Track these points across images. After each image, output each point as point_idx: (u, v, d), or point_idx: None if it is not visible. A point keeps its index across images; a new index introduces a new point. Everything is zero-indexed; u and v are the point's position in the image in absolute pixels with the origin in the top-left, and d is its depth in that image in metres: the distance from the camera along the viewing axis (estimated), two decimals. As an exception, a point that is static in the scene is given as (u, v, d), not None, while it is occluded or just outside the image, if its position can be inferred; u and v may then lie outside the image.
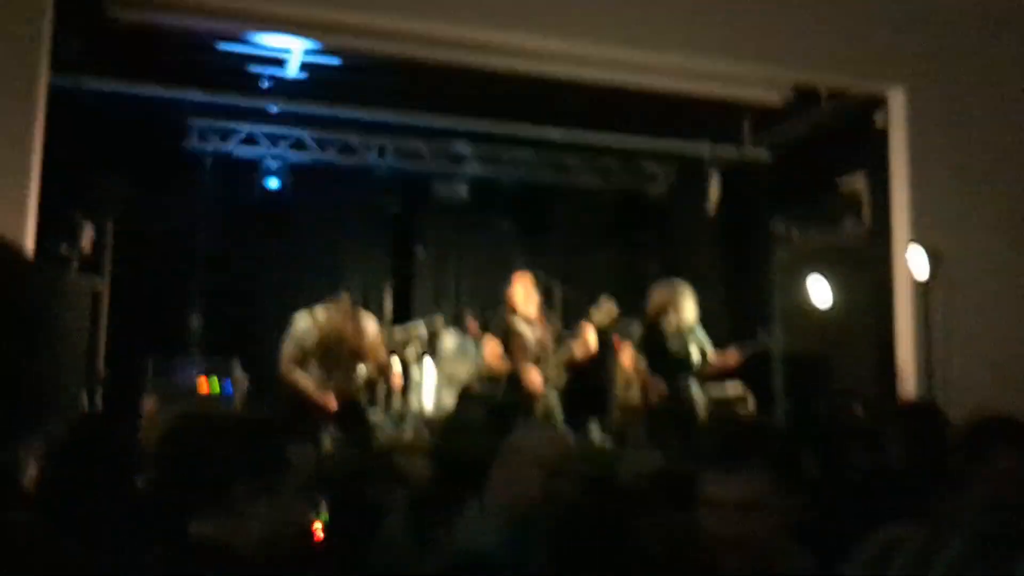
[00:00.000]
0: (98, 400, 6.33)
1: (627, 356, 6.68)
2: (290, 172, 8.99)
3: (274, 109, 8.43)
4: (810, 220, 8.89)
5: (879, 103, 6.48)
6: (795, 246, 9.05)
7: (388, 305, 8.36)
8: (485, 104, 8.46)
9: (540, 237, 9.97)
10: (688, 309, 6.55)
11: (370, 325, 6.36)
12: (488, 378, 7.65)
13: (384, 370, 6.79)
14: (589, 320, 6.36)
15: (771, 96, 7.04)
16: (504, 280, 6.91)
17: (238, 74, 7.69)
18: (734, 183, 9.49)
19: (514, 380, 6.31)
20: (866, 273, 7.41)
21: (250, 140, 8.93)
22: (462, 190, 9.70)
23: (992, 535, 2.14)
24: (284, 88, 7.97)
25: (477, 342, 8.38)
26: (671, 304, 6.54)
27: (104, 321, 6.84)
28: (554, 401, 6.32)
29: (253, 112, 8.51)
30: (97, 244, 6.67)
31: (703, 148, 9.44)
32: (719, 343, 6.99)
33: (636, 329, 6.91)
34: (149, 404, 6.65)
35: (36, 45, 4.61)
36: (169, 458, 2.07)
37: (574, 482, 2.61)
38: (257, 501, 1.94)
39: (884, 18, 6.00)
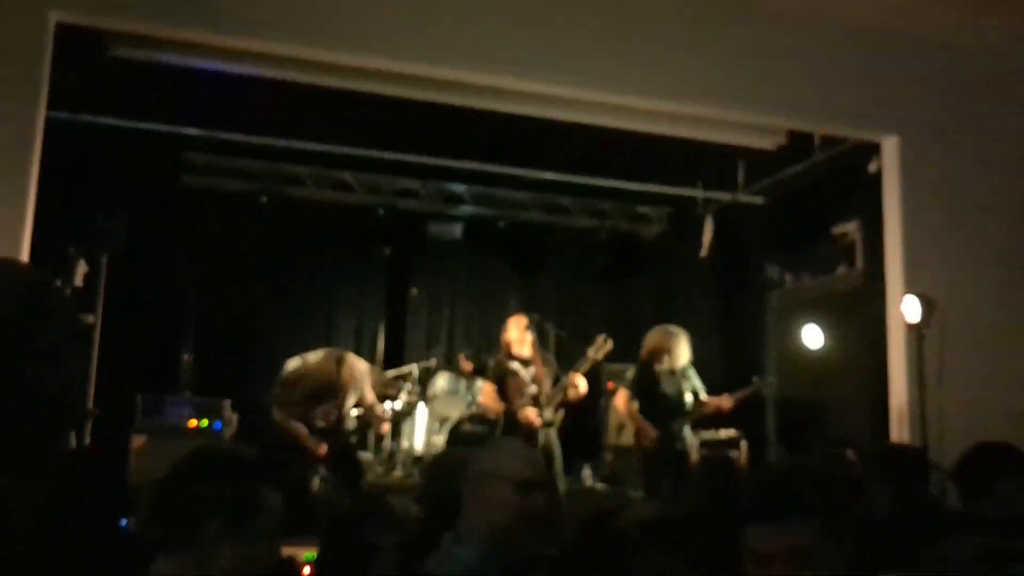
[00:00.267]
0: (87, 436, 6.27)
1: (620, 399, 6.66)
2: (285, 209, 8.99)
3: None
4: (804, 265, 8.94)
5: (873, 149, 6.53)
6: (789, 291, 9.09)
7: (380, 345, 8.34)
8: (480, 144, 8.51)
9: (534, 278, 9.97)
10: (682, 352, 6.55)
11: (361, 367, 6.34)
12: (480, 419, 7.63)
13: (375, 411, 6.75)
14: (585, 356, 6.35)
15: (765, 142, 7.10)
16: (498, 321, 6.88)
17: (234, 110, 7.73)
18: (728, 227, 9.54)
19: (510, 421, 6.29)
20: (860, 318, 7.43)
21: (245, 176, 8.94)
22: (456, 230, 9.71)
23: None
24: (280, 124, 8.02)
25: (470, 383, 8.35)
26: (665, 347, 6.53)
27: (95, 356, 6.80)
28: (553, 440, 6.28)
29: (249, 148, 8.53)
30: (90, 279, 6.64)
31: (697, 192, 9.50)
32: (713, 386, 6.98)
33: (630, 372, 6.90)
34: (137, 442, 6.58)
35: (35, 80, 4.63)
36: (149, 493, 2.06)
37: (546, 496, 2.57)
38: (223, 540, 1.93)
39: (877, 66, 6.07)
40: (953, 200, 6.11)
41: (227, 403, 7.00)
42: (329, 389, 6.07)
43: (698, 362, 6.81)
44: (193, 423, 6.85)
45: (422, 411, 8.31)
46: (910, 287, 5.76)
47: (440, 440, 8.04)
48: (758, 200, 9.28)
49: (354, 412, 6.59)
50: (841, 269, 8.22)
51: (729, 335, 9.71)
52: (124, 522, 3.12)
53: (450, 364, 8.85)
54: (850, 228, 8.09)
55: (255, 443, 6.84)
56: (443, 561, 2.48)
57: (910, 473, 3.41)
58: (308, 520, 6.06)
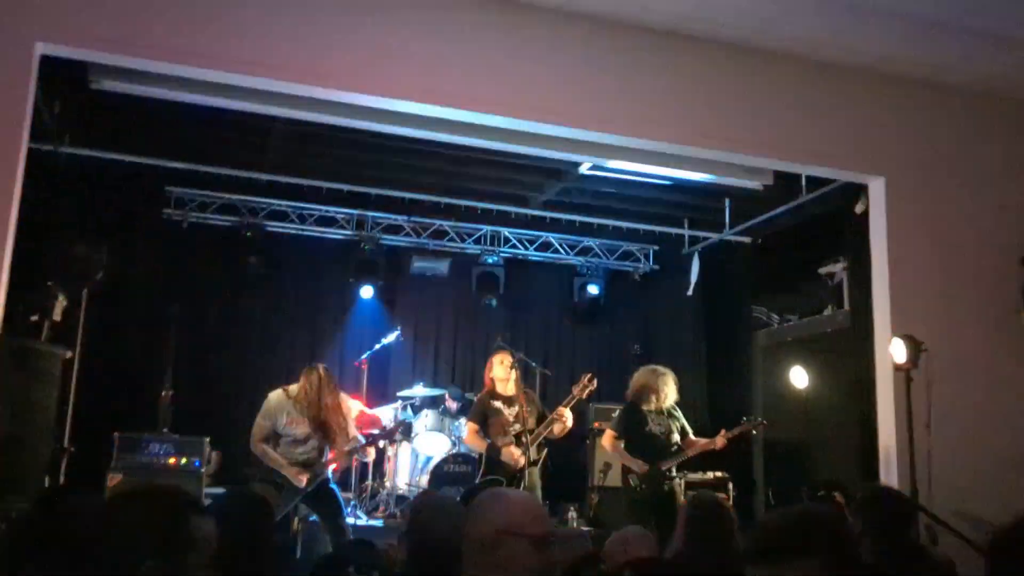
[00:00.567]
0: (62, 473, 6.14)
1: (607, 438, 6.60)
2: (269, 243, 8.93)
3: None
4: (791, 305, 8.94)
5: (859, 190, 6.55)
6: (776, 331, 9.07)
7: (364, 381, 8.26)
8: (467, 181, 8.50)
9: (520, 315, 9.93)
10: (668, 392, 6.51)
11: (343, 401, 6.24)
12: (463, 458, 7.53)
13: (356, 444, 6.64)
14: (571, 394, 6.30)
15: (752, 182, 7.11)
16: (483, 357, 6.81)
17: (217, 144, 7.69)
18: (715, 267, 9.54)
19: (492, 459, 6.22)
20: (847, 359, 7.40)
21: (229, 210, 8.89)
22: (443, 266, 9.67)
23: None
24: (266, 158, 7.99)
25: (454, 420, 8.27)
26: (651, 386, 6.49)
27: (72, 392, 6.68)
28: (536, 479, 6.22)
29: (232, 181, 8.48)
30: (69, 313, 6.54)
31: (684, 231, 9.52)
32: (699, 426, 6.93)
33: (616, 412, 6.84)
34: (113, 480, 6.44)
35: (18, 111, 4.57)
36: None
37: (561, 548, 2.50)
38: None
39: (864, 108, 6.09)
40: (939, 241, 6.11)
41: (206, 440, 6.86)
42: (312, 421, 5.96)
43: (683, 402, 6.76)
44: (172, 461, 6.71)
45: (405, 449, 8.20)
46: (897, 328, 5.73)
47: (424, 480, 7.93)
48: (745, 240, 9.30)
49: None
50: (828, 310, 8.22)
51: (715, 375, 9.67)
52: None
53: (434, 402, 8.76)
54: (837, 268, 8.10)
55: (234, 479, 6.73)
56: None
57: (898, 518, 3.36)
58: (288, 560, 5.94)
